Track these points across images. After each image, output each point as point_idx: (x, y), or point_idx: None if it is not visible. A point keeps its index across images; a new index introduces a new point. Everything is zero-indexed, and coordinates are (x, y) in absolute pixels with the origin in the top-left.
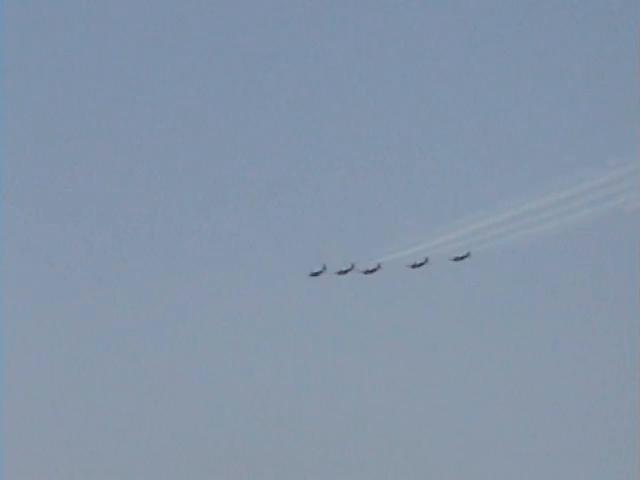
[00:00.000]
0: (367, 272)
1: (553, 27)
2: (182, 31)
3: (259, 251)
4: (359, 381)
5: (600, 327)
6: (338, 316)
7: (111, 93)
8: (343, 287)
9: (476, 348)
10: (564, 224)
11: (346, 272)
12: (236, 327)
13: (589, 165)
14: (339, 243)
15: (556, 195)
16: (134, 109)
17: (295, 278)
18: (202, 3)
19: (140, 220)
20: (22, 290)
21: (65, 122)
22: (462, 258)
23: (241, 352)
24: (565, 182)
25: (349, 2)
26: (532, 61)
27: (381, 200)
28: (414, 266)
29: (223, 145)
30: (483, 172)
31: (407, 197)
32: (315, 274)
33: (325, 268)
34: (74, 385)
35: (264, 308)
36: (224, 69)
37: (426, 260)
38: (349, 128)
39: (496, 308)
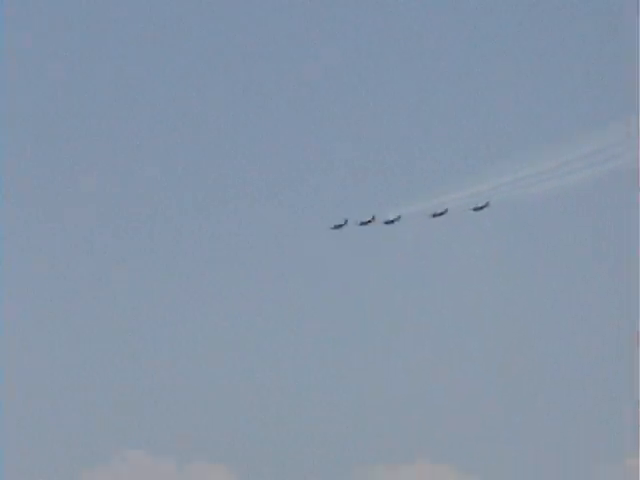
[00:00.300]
0: (388, 222)
1: (553, 27)
2: (182, 31)
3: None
4: (381, 325)
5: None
6: (361, 263)
7: (111, 93)
8: (365, 236)
9: (494, 294)
10: (577, 180)
11: (367, 223)
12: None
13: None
14: (360, 197)
15: (569, 154)
16: (134, 109)
17: (318, 231)
18: (202, 3)
19: (140, 220)
20: (22, 290)
21: (65, 122)
22: (481, 208)
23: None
24: (576, 140)
25: (349, 2)
26: (532, 60)
27: (401, 153)
28: (434, 215)
29: (223, 145)
30: (503, 125)
31: (426, 150)
32: (338, 226)
33: (346, 221)
34: (74, 385)
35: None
36: (224, 69)
37: (446, 210)
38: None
39: (513, 255)
